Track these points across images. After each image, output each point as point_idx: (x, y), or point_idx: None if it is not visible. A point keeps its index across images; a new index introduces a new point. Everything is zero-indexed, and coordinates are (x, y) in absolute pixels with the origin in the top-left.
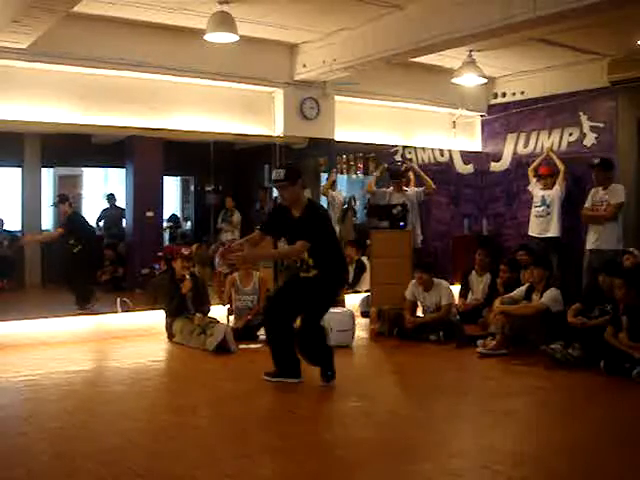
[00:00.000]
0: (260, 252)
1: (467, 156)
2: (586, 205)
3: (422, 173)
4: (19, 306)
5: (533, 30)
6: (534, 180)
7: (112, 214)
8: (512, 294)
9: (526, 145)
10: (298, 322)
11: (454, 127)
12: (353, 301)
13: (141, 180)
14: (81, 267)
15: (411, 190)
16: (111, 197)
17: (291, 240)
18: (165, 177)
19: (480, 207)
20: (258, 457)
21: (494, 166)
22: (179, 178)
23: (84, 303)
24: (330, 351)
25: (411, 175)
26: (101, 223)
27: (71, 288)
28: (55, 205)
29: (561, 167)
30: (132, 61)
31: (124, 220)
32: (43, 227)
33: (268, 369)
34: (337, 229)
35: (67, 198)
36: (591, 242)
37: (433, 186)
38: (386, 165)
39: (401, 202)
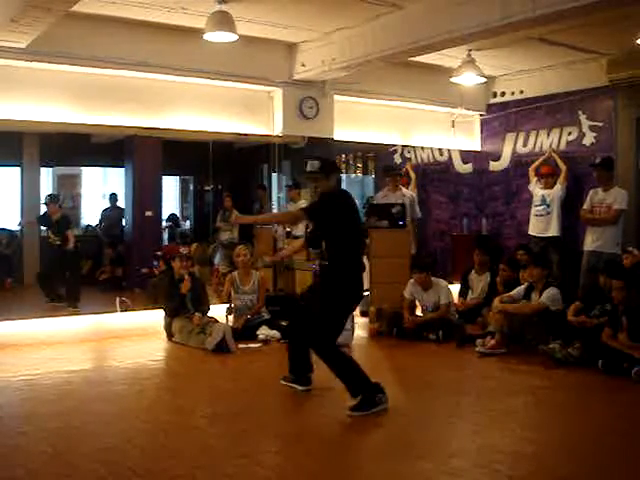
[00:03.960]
0: (255, 216)
1: (466, 155)
2: (584, 207)
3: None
4: (18, 305)
5: (532, 29)
6: (534, 179)
7: (113, 214)
8: (511, 293)
9: (525, 144)
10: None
11: (453, 126)
12: None
13: (140, 179)
14: (68, 262)
15: (407, 192)
16: (113, 197)
17: (319, 231)
18: (164, 177)
19: (479, 206)
20: (258, 457)
21: (493, 165)
22: (178, 178)
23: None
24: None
25: (412, 175)
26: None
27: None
28: (45, 204)
29: (563, 167)
30: (131, 61)
31: (124, 220)
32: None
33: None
34: None
35: (57, 199)
36: (589, 244)
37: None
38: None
39: (400, 202)
